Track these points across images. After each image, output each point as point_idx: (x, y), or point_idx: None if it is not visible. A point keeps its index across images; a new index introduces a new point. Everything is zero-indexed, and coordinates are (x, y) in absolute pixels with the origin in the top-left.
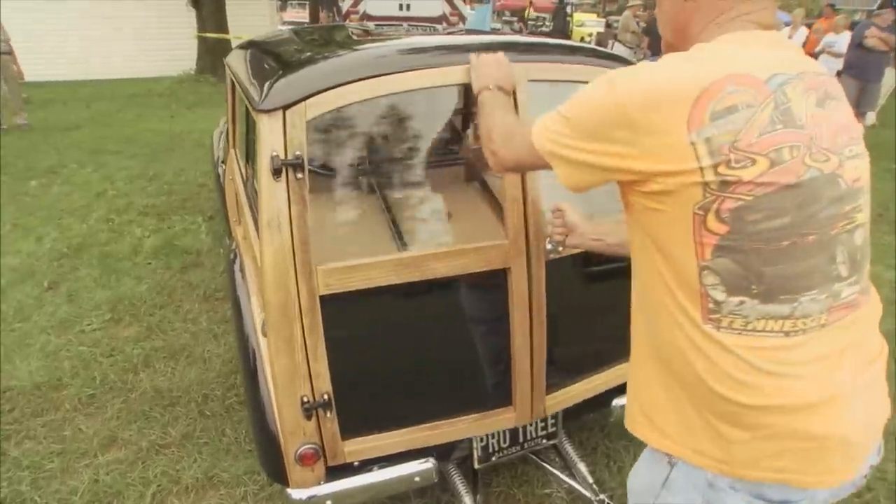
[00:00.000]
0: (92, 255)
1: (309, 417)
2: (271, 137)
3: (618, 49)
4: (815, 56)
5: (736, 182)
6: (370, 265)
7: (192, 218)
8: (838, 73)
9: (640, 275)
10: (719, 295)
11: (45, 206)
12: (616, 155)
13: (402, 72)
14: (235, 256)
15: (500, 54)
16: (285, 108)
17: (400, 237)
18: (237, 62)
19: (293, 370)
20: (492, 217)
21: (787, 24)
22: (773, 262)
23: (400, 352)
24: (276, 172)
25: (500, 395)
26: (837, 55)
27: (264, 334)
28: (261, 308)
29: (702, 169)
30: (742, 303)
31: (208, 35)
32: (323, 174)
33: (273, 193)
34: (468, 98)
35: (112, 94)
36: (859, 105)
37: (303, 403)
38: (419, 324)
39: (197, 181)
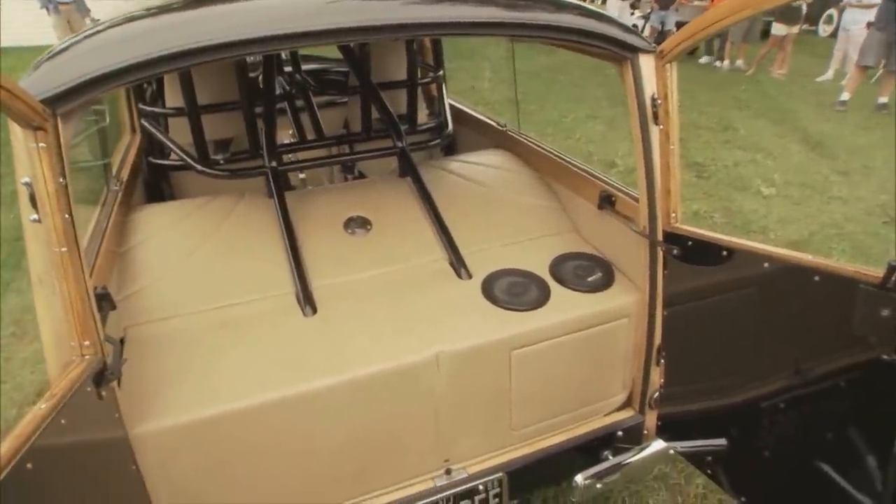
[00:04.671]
0: None
1: None
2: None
3: (611, 4)
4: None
5: None
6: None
7: None
8: (868, 24)
9: None
10: None
11: None
12: None
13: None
14: None
15: None
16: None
17: (304, 290)
18: None
19: None
20: (428, 232)
21: None
22: None
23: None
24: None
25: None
26: (868, 6)
27: None
28: None
29: None
30: None
31: None
32: (206, 171)
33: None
34: (412, 58)
35: None
36: (888, 64)
37: None
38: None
39: None
